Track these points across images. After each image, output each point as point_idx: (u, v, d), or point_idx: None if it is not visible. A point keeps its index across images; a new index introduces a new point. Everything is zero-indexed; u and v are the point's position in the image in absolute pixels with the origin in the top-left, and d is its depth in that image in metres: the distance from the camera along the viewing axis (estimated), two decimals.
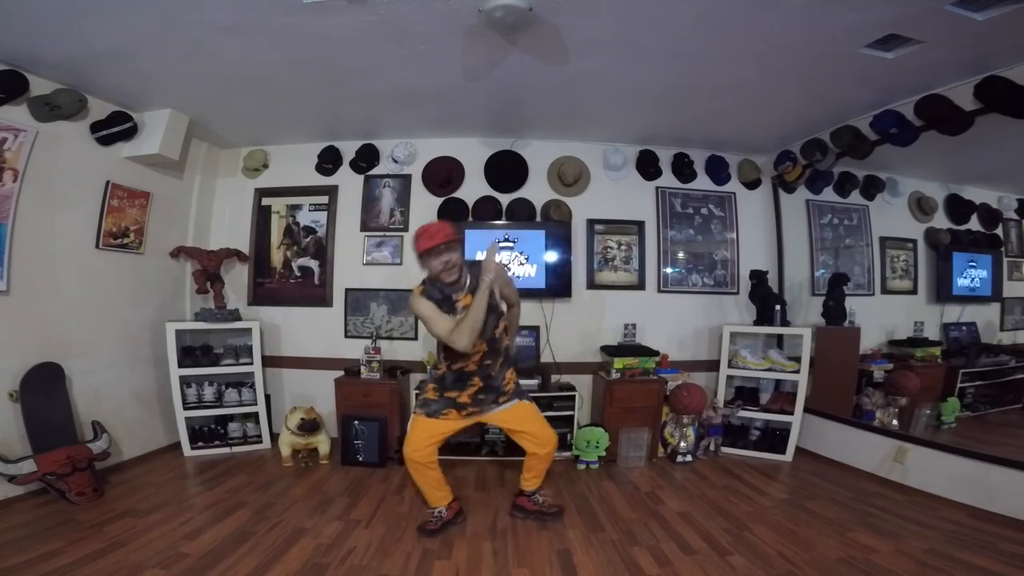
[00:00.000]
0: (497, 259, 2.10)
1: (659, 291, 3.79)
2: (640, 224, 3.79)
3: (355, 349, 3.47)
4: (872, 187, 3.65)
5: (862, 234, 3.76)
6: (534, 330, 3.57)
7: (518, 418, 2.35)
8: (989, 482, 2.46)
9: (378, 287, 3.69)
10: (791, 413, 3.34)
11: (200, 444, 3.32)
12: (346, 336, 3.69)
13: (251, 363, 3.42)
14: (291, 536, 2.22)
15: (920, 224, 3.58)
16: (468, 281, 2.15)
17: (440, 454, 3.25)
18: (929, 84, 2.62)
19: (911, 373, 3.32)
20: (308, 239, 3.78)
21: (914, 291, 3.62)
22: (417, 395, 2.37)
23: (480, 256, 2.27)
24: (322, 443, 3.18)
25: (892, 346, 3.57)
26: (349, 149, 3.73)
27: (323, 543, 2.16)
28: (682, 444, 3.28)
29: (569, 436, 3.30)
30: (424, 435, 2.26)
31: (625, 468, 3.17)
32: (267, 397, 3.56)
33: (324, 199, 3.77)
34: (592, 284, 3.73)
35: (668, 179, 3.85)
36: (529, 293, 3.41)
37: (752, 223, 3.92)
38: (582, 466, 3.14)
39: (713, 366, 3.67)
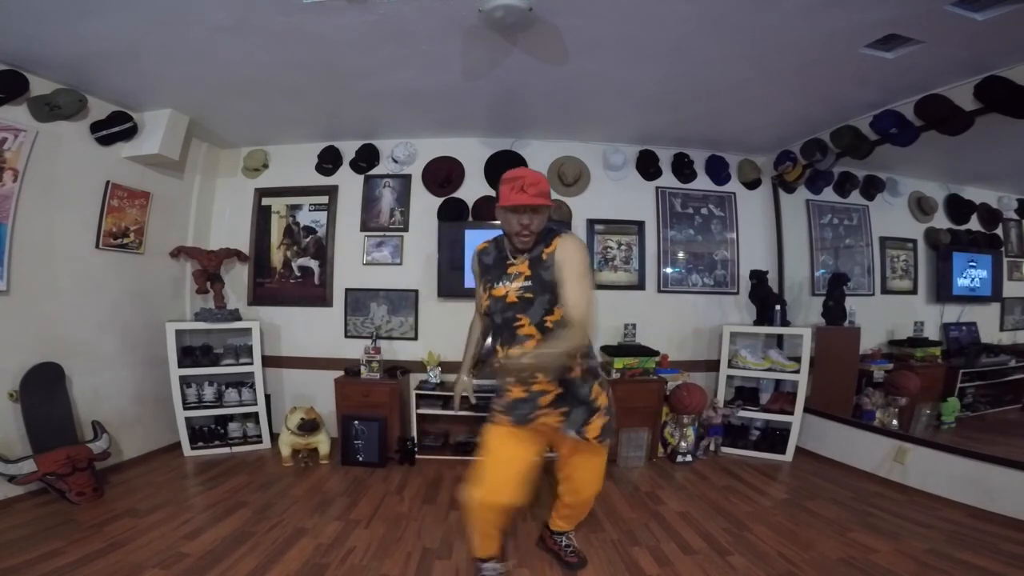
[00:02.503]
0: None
1: (659, 291, 3.79)
2: (640, 224, 3.79)
3: (355, 349, 3.47)
4: (872, 187, 3.65)
5: (862, 234, 3.76)
6: None
7: (595, 461, 1.85)
8: (989, 482, 2.46)
9: (378, 287, 3.69)
10: (791, 413, 3.34)
11: (200, 444, 3.32)
12: (346, 336, 3.69)
13: (251, 363, 3.42)
14: (291, 536, 2.22)
15: (920, 224, 3.59)
16: (534, 249, 1.73)
17: (440, 454, 3.31)
18: (929, 84, 2.62)
19: (911, 373, 3.32)
20: (308, 239, 3.78)
21: (914, 291, 3.62)
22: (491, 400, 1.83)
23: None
24: (322, 443, 3.18)
25: (892, 346, 3.58)
26: (349, 149, 3.73)
27: (323, 543, 2.16)
28: (682, 444, 3.28)
29: None
30: (506, 457, 1.72)
31: (625, 468, 3.17)
32: (267, 397, 3.56)
33: (324, 199, 3.77)
34: (592, 284, 3.72)
35: (668, 179, 3.85)
36: None
37: (752, 223, 3.92)
38: None
39: (713, 366, 3.67)
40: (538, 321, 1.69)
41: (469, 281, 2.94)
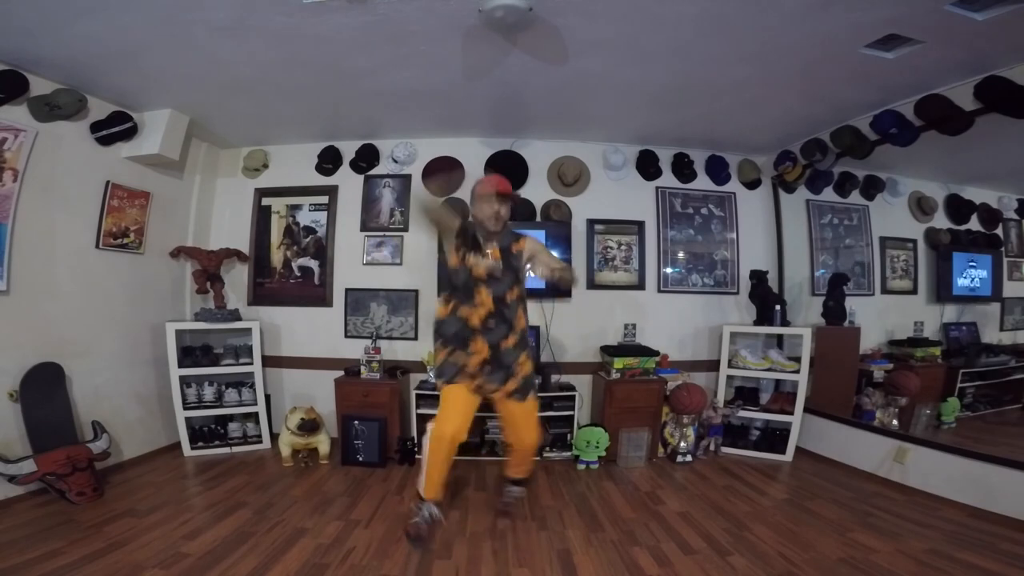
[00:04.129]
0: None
1: (659, 291, 3.79)
2: (640, 224, 3.79)
3: (355, 349, 3.47)
4: (872, 187, 3.65)
5: (862, 234, 3.76)
6: (534, 330, 3.56)
7: (524, 414, 2.29)
8: (989, 482, 2.46)
9: (378, 287, 3.69)
10: (791, 413, 3.34)
11: (200, 444, 3.32)
12: (346, 336, 3.69)
13: (251, 363, 3.42)
14: (291, 536, 2.22)
15: (920, 224, 3.58)
16: (503, 240, 2.24)
17: None
18: (929, 84, 2.61)
19: (911, 373, 3.32)
20: (308, 239, 3.78)
21: (914, 291, 3.62)
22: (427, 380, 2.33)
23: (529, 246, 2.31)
24: (322, 443, 3.18)
25: (892, 346, 3.57)
26: (349, 149, 3.73)
27: (323, 543, 2.16)
28: (682, 444, 3.28)
29: (569, 436, 3.31)
30: (457, 406, 2.18)
31: (625, 468, 3.17)
32: (267, 397, 3.56)
33: (324, 199, 3.77)
34: (592, 284, 3.73)
35: (668, 179, 3.85)
36: (529, 293, 3.40)
37: (752, 223, 3.92)
38: (582, 466, 3.14)
39: (713, 366, 3.67)
40: (499, 295, 2.19)
41: None
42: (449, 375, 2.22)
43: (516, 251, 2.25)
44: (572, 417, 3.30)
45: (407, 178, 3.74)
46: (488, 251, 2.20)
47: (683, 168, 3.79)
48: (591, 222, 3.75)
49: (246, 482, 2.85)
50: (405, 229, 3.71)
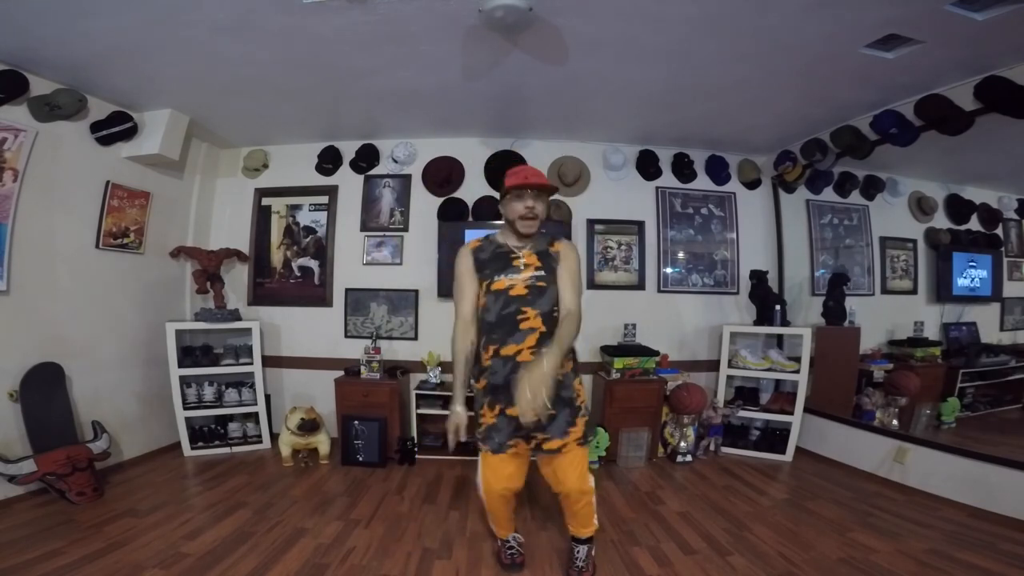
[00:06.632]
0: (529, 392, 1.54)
1: (659, 291, 3.79)
2: (640, 224, 3.79)
3: (355, 349, 3.47)
4: (872, 187, 3.65)
5: (862, 234, 3.76)
6: None
7: (573, 459, 1.78)
8: (989, 482, 2.46)
9: (378, 287, 3.69)
10: (791, 413, 3.34)
11: (200, 444, 3.32)
12: (346, 336, 3.69)
13: (251, 363, 3.42)
14: (291, 536, 2.22)
15: (920, 224, 3.59)
16: (539, 243, 1.84)
17: (440, 454, 3.31)
18: (929, 84, 2.61)
19: (911, 373, 3.32)
20: (308, 239, 3.78)
21: (914, 291, 3.62)
22: (474, 421, 1.86)
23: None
24: (322, 443, 3.18)
25: (892, 346, 3.57)
26: (349, 149, 3.73)
27: (323, 543, 2.16)
28: (682, 444, 3.28)
29: None
30: (501, 473, 1.79)
31: (625, 468, 3.17)
32: (267, 397, 3.56)
33: (324, 199, 3.77)
34: (592, 284, 3.72)
35: (668, 179, 3.85)
36: None
37: (752, 223, 3.92)
38: None
39: (713, 366, 3.67)
40: (547, 311, 1.74)
41: None
42: (496, 443, 1.75)
43: (554, 252, 1.83)
44: None
45: (407, 178, 3.74)
46: (520, 260, 1.79)
47: (683, 168, 3.79)
48: (591, 222, 3.75)
49: (246, 482, 2.85)
50: (405, 229, 3.71)
